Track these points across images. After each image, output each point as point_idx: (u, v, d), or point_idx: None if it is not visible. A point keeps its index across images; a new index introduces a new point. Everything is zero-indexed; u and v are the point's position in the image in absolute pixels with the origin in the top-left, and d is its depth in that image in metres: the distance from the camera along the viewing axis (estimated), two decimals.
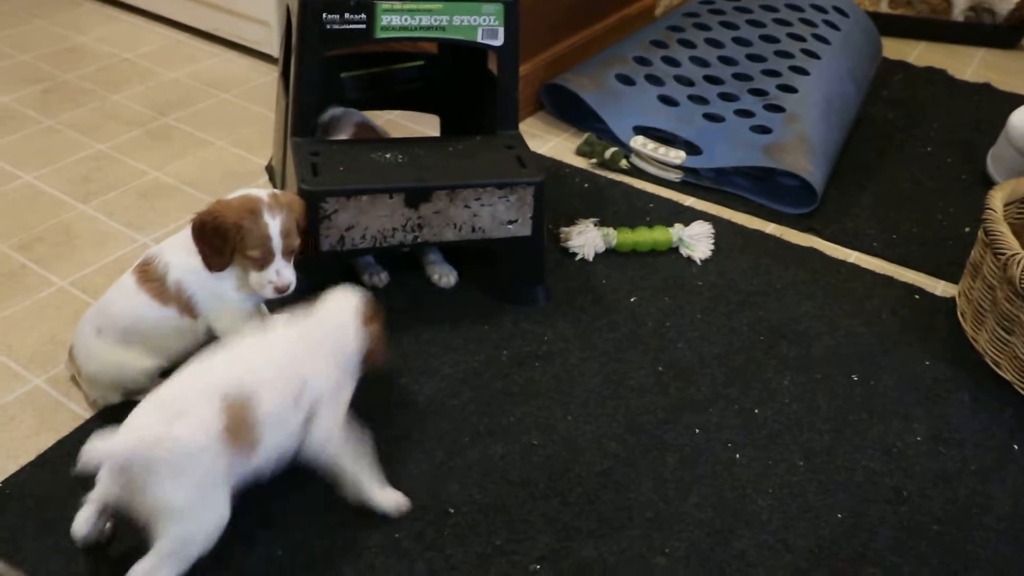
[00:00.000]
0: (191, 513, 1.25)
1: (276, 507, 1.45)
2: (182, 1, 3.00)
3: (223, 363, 1.36)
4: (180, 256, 1.54)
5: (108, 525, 1.37)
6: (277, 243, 1.51)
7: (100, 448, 1.19)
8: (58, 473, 1.49)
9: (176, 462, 1.22)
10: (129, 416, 1.27)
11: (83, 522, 1.35)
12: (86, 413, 1.60)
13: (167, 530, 1.24)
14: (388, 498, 1.46)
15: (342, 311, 1.49)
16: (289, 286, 1.54)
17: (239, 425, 1.28)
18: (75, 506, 1.43)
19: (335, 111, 2.06)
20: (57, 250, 2.00)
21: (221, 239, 1.49)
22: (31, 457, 1.52)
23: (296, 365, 1.38)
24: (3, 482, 1.47)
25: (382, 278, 1.93)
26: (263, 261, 1.52)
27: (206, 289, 1.55)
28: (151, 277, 1.54)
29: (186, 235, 1.54)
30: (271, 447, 1.35)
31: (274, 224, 1.50)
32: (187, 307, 1.55)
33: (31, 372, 1.69)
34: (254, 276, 1.54)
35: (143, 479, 1.22)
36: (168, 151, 2.39)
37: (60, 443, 1.54)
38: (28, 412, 1.61)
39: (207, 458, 1.25)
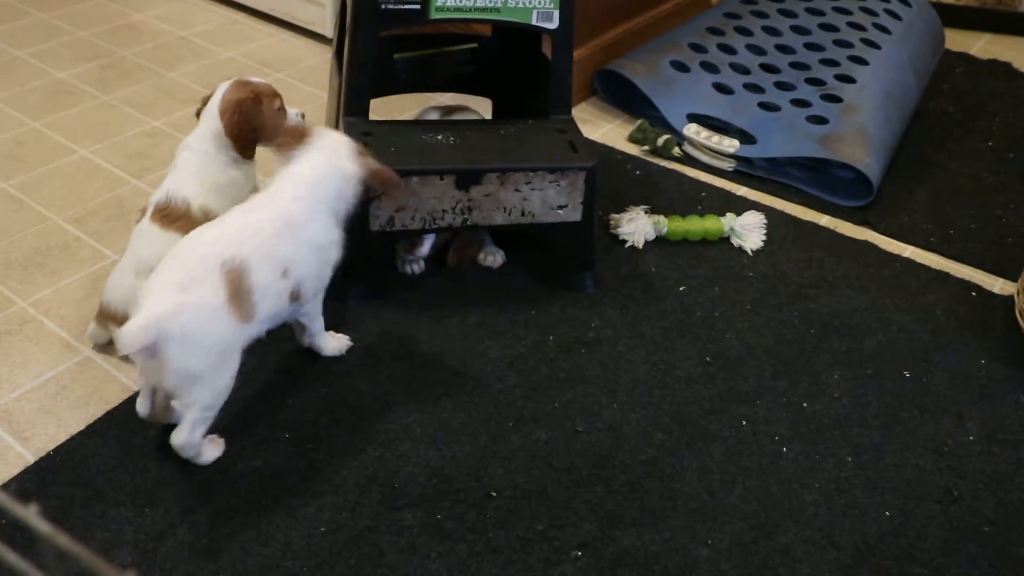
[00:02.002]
0: (213, 376, 1.40)
1: (319, 484, 1.46)
2: None
3: (216, 236, 1.44)
4: (194, 184, 1.65)
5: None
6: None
7: (127, 334, 1.29)
8: (107, 443, 1.51)
9: (193, 330, 1.35)
10: (141, 294, 1.38)
11: (142, 404, 1.48)
12: (135, 385, 1.62)
13: (194, 396, 1.39)
14: (331, 343, 1.68)
15: (330, 156, 1.55)
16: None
17: (238, 293, 1.39)
18: (122, 477, 1.46)
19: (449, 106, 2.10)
20: (111, 224, 2.03)
21: (253, 117, 1.66)
22: (81, 427, 1.54)
23: (281, 243, 1.47)
24: (54, 450, 1.50)
25: (420, 266, 1.94)
26: (283, 108, 1.73)
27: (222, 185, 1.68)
28: (176, 217, 1.61)
29: (186, 164, 1.66)
30: (265, 315, 1.47)
31: (261, 81, 1.74)
32: None
33: (83, 343, 1.71)
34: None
35: (170, 352, 1.33)
36: None
37: (109, 414, 1.56)
38: (79, 382, 1.64)
39: (219, 324, 1.38)
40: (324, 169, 1.53)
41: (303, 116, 1.77)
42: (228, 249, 1.40)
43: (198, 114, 1.71)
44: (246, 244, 1.42)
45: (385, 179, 1.57)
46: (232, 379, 1.43)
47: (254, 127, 1.66)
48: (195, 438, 1.43)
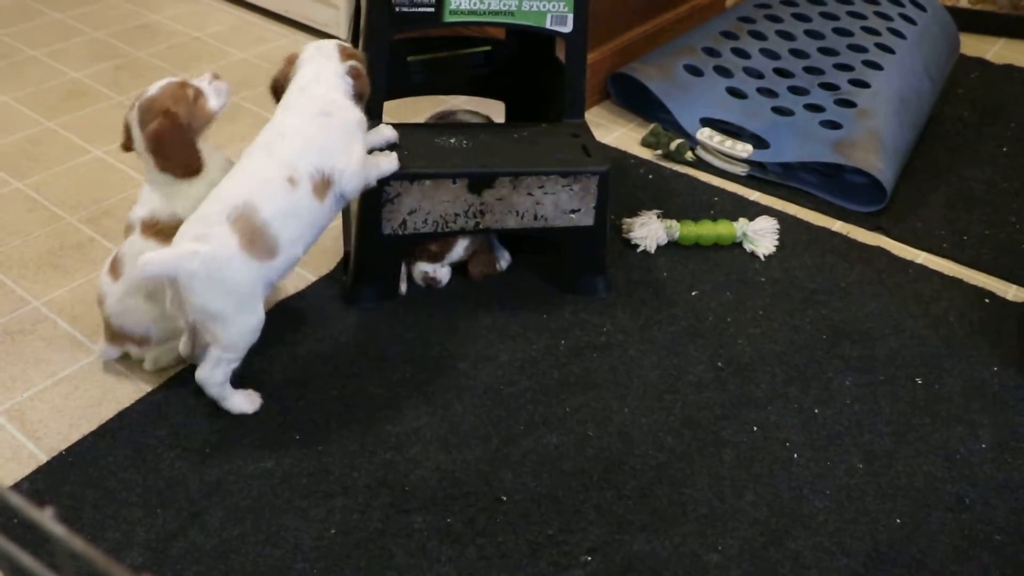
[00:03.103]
0: (231, 317, 1.48)
1: (330, 486, 1.46)
2: None
3: (218, 193, 1.51)
4: (177, 200, 1.58)
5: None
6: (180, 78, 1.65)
7: (148, 258, 1.41)
8: (119, 443, 1.51)
9: (207, 275, 1.44)
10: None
11: (184, 343, 1.59)
12: (147, 385, 1.63)
13: (215, 334, 1.49)
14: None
15: (319, 65, 1.64)
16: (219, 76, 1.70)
17: (252, 235, 1.47)
18: (134, 477, 1.46)
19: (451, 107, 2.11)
20: (124, 224, 2.03)
21: (178, 130, 1.57)
22: (93, 427, 1.55)
23: (275, 157, 1.53)
24: (66, 450, 1.50)
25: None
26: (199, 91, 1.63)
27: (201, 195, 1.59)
28: (170, 232, 1.52)
29: (160, 183, 1.60)
30: (297, 235, 1.53)
31: (166, 80, 1.64)
32: None
33: (96, 343, 1.72)
34: (212, 102, 1.62)
35: (186, 291, 1.45)
36: (235, 130, 2.41)
37: (121, 414, 1.57)
38: (92, 382, 1.64)
39: (233, 269, 1.46)
40: (313, 74, 1.62)
41: (217, 76, 1.66)
42: (231, 200, 1.48)
43: (125, 148, 1.64)
44: (245, 185, 1.50)
45: (361, 80, 1.65)
46: (253, 327, 1.52)
47: (184, 144, 1.57)
48: (216, 376, 1.53)
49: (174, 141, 1.56)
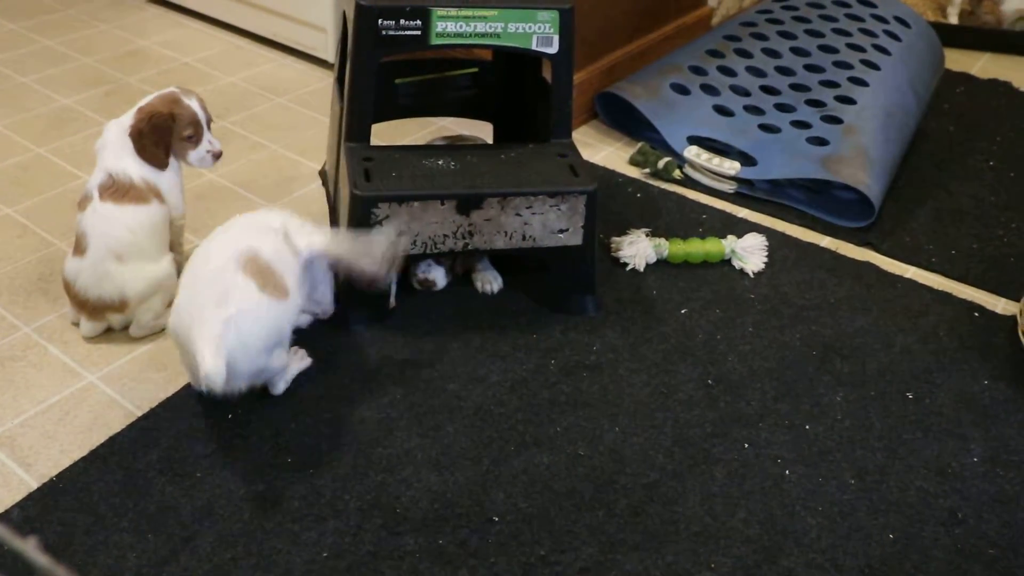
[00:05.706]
0: (272, 356, 1.57)
1: (321, 509, 1.46)
2: (241, 7, 3.04)
3: (220, 245, 1.59)
4: (131, 161, 1.76)
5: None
6: (203, 118, 1.82)
7: (210, 368, 1.42)
8: (109, 468, 1.51)
9: (249, 331, 1.50)
10: (193, 328, 1.49)
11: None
12: (138, 411, 1.63)
13: (265, 375, 1.60)
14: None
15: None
16: (221, 152, 1.88)
17: (266, 276, 1.54)
18: (125, 502, 1.46)
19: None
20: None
21: (162, 133, 1.76)
22: (84, 452, 1.54)
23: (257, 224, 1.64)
24: (56, 476, 1.50)
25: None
26: (196, 138, 1.82)
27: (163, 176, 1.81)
28: (124, 191, 1.74)
29: (117, 147, 1.77)
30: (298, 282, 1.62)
31: (195, 104, 1.81)
32: (160, 195, 1.79)
33: (86, 369, 1.72)
34: (193, 154, 1.83)
35: (234, 360, 1.47)
36: (224, 154, 2.41)
37: (112, 440, 1.57)
38: (82, 408, 1.64)
39: (266, 312, 1.53)
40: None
41: (217, 156, 1.88)
42: (237, 246, 1.55)
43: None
44: (245, 236, 1.59)
45: None
46: (288, 346, 1.63)
47: (157, 150, 1.78)
48: (287, 382, 1.67)
49: (150, 142, 1.76)
